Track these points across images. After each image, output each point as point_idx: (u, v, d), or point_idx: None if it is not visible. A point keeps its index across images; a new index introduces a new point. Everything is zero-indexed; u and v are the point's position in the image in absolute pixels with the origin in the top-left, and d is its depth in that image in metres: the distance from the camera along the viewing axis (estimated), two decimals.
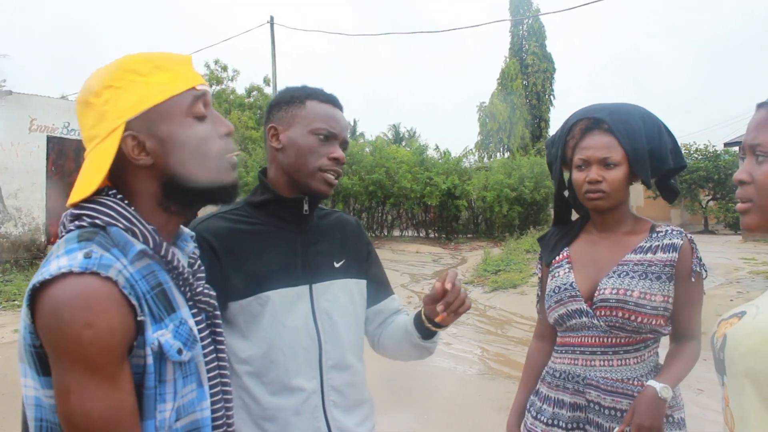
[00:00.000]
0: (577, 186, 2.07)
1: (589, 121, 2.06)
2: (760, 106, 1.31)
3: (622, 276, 1.98)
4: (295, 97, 1.80)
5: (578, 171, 2.06)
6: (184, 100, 1.26)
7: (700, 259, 2.02)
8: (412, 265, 16.89)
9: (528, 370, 2.29)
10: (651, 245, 2.02)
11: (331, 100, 1.83)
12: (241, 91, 33.78)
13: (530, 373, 2.27)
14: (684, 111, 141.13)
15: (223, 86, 33.26)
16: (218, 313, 1.37)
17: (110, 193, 1.24)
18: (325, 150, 1.76)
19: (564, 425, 2.03)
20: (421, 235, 24.86)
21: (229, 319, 1.70)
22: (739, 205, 1.32)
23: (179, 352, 1.18)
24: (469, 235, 23.87)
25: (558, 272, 2.13)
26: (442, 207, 23.29)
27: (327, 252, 1.85)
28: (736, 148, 23.54)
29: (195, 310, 1.30)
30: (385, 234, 24.78)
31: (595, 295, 1.99)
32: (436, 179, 22.37)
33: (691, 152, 31.62)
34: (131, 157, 1.22)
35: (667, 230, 2.04)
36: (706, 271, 2.04)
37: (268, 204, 1.81)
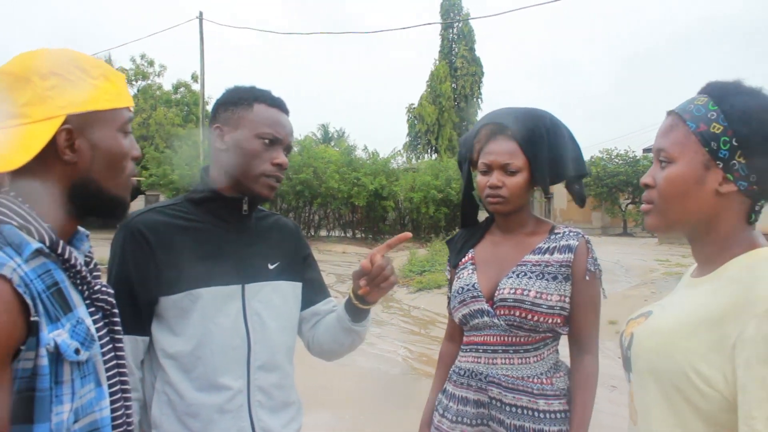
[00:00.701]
0: (480, 189, 2.12)
1: (494, 126, 2.09)
2: (668, 113, 1.36)
3: (520, 276, 2.01)
4: (243, 99, 1.78)
5: (482, 175, 2.10)
6: (122, 116, 1.29)
7: (595, 259, 2.06)
8: (338, 265, 16.89)
9: (439, 370, 2.32)
10: (549, 246, 2.06)
11: (278, 105, 1.81)
12: (167, 87, 33.20)
13: (441, 374, 2.30)
14: (606, 117, 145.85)
15: (149, 81, 32.59)
16: (116, 311, 1.33)
17: (2, 190, 1.20)
18: (269, 155, 1.75)
19: (468, 422, 2.06)
20: (347, 235, 24.93)
21: (160, 314, 1.68)
22: (643, 206, 1.39)
23: (77, 351, 1.14)
24: (395, 236, 23.99)
25: (462, 273, 2.17)
26: (369, 207, 23.42)
27: (262, 253, 1.84)
28: None
29: (92, 309, 1.27)
30: (312, 234, 24.75)
31: (495, 294, 2.02)
32: (363, 180, 22.46)
33: (612, 157, 32.75)
34: (60, 150, 1.19)
35: (564, 231, 2.09)
36: (600, 270, 2.07)
37: (207, 201, 1.79)
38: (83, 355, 1.16)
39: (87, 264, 1.33)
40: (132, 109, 1.33)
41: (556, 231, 2.10)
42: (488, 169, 2.07)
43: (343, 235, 25.04)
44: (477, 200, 2.26)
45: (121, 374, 1.31)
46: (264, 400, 1.76)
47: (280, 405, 1.81)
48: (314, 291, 2.00)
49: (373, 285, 1.72)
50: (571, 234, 2.07)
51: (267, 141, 1.74)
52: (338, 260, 17.69)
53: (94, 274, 1.33)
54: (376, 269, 1.69)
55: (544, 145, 2.02)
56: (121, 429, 1.29)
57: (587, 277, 2.02)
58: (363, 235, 24.73)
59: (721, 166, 1.24)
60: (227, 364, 1.70)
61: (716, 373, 1.14)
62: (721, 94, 1.28)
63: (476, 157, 2.13)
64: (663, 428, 1.26)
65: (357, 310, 1.82)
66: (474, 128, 2.17)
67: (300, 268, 1.96)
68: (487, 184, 2.05)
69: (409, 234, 1.82)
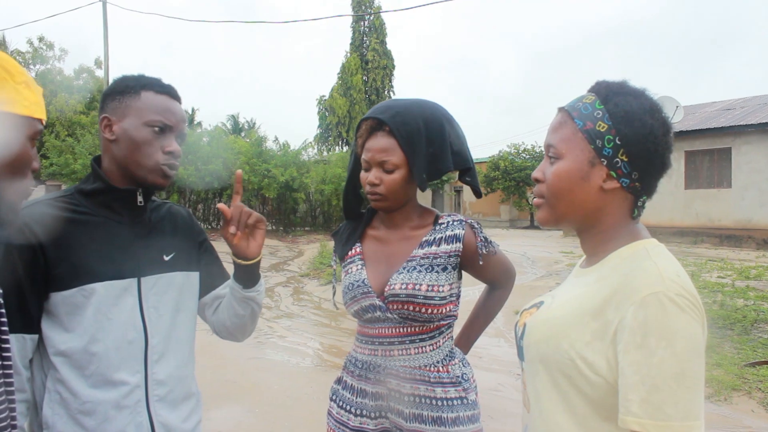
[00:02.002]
0: (363, 185, 2.13)
1: (373, 122, 2.10)
2: (559, 110, 1.41)
3: (410, 271, 2.04)
4: (130, 87, 1.73)
5: (364, 171, 2.12)
6: (34, 126, 1.27)
7: (486, 239, 2.12)
8: None
9: None
10: (434, 238, 2.09)
11: (168, 91, 1.77)
12: (69, 72, 31.82)
13: None
14: (514, 112, 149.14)
15: (49, 66, 31.20)
16: (2, 311, 1.28)
17: None
18: (160, 143, 1.71)
19: (369, 414, 2.10)
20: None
21: (50, 310, 1.62)
22: (534, 200, 1.44)
23: None
24: (306, 228, 23.95)
25: (351, 268, 2.18)
26: (280, 199, 23.21)
27: (157, 245, 1.81)
28: None
29: None
30: (222, 225, 24.33)
31: (386, 290, 2.05)
32: (274, 171, 22.24)
33: (520, 152, 33.56)
34: None
35: (448, 221, 2.13)
36: (492, 245, 2.14)
37: (99, 193, 1.74)
38: None
39: None
40: (44, 122, 1.31)
41: (440, 221, 2.13)
42: (368, 166, 2.09)
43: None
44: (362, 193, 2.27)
45: (5, 375, 1.26)
46: (162, 394, 1.74)
47: (179, 398, 1.79)
48: (213, 276, 1.99)
49: (243, 229, 1.73)
50: (455, 223, 2.11)
51: (157, 129, 1.70)
52: None
53: None
54: (235, 209, 1.71)
55: (421, 140, 2.03)
56: (6, 431, 1.25)
57: (481, 261, 2.09)
58: (274, 227, 24.48)
59: (605, 163, 1.30)
60: (123, 359, 1.67)
61: (600, 359, 1.20)
62: (607, 93, 1.33)
63: (360, 152, 2.14)
64: (553, 414, 1.31)
65: (243, 270, 1.81)
66: (359, 122, 2.16)
67: (196, 256, 1.94)
68: (366, 182, 2.08)
69: (240, 171, 1.84)
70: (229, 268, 1.94)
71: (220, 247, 2.12)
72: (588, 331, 1.24)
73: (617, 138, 1.29)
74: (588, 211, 1.35)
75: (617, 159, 1.29)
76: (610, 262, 1.32)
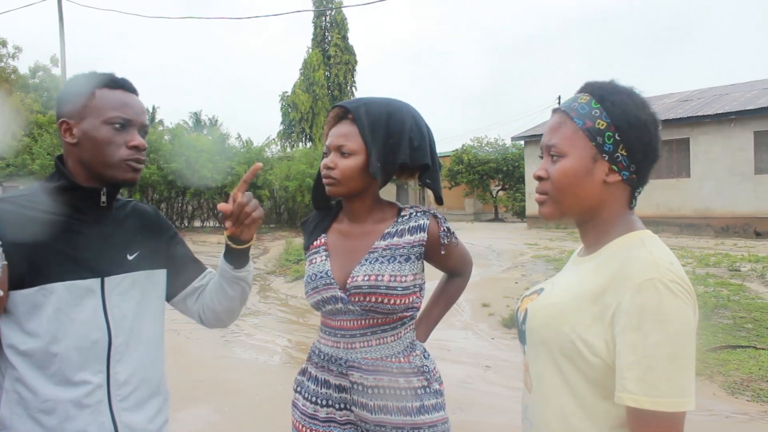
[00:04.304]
0: (321, 170, 2.15)
1: (339, 110, 2.15)
2: (554, 111, 1.50)
3: (372, 262, 2.06)
4: (83, 87, 1.70)
5: (325, 156, 2.14)
6: None
7: (448, 229, 2.15)
8: (214, 255, 16.43)
9: None
10: (397, 229, 2.11)
11: (122, 85, 1.74)
12: (24, 70, 31.18)
13: None
14: (477, 105, 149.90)
15: (3, 64, 30.53)
16: None
17: None
18: (123, 138, 1.69)
19: (334, 404, 2.11)
20: (222, 225, 24.42)
21: (8, 309, 1.59)
22: (537, 197, 1.51)
23: None
24: (271, 225, 23.80)
25: (315, 258, 2.19)
26: None
27: (121, 244, 1.78)
28: (522, 142, 25.58)
29: None
30: (186, 225, 24.11)
31: (348, 282, 2.06)
32: (237, 169, 22.09)
33: (483, 145, 33.75)
34: None
35: (411, 212, 2.15)
36: (454, 236, 2.17)
37: (62, 191, 1.71)
38: None
39: None
40: None
41: (402, 213, 2.15)
42: (328, 151, 2.12)
43: (218, 225, 24.51)
44: None
45: None
46: (125, 395, 1.72)
47: (144, 398, 1.77)
48: (187, 269, 1.99)
49: (239, 224, 1.74)
50: (418, 214, 2.13)
51: (117, 125, 1.68)
52: (214, 251, 17.29)
53: None
54: (236, 208, 1.72)
55: (381, 130, 2.05)
56: None
57: (443, 251, 2.12)
58: None
59: (606, 158, 1.39)
60: (85, 360, 1.64)
61: (599, 341, 1.30)
62: (602, 93, 1.42)
63: (325, 140, 2.17)
64: (554, 393, 1.41)
65: (234, 252, 1.83)
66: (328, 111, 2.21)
67: (164, 253, 1.93)
68: (322, 165, 2.10)
69: (260, 164, 1.84)
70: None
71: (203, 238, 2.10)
72: (588, 315, 1.33)
73: (616, 134, 1.38)
74: (591, 204, 1.43)
75: (618, 154, 1.39)
76: (608, 250, 1.41)
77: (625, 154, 1.38)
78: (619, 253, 1.37)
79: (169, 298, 1.97)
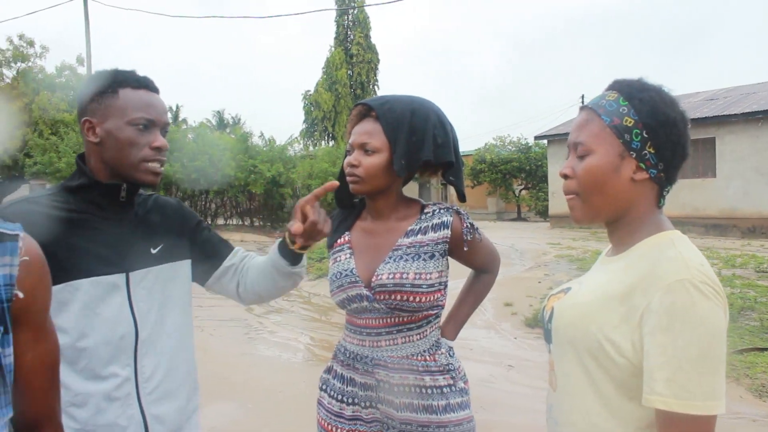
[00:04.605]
0: (345, 168, 2.15)
1: (362, 108, 2.16)
2: (581, 108, 1.49)
3: (396, 260, 2.06)
4: (107, 87, 1.71)
5: (348, 154, 2.15)
6: None
7: (471, 225, 2.15)
8: None
9: None
10: (420, 227, 2.11)
11: (145, 84, 1.75)
12: (51, 69, 31.48)
13: None
14: (500, 105, 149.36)
15: (30, 64, 30.87)
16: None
17: None
18: (146, 139, 1.70)
19: (360, 402, 2.11)
20: (245, 223, 24.57)
21: None
22: (567, 198, 1.50)
23: None
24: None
25: (339, 256, 2.19)
26: (266, 195, 23.16)
27: (144, 239, 1.81)
28: (545, 142, 25.40)
29: None
30: (209, 223, 24.24)
31: (373, 280, 2.06)
32: (260, 167, 22.18)
33: (505, 144, 33.56)
34: None
35: (434, 209, 2.14)
36: (478, 232, 2.17)
37: (84, 189, 1.73)
38: None
39: None
40: None
41: (426, 210, 2.15)
42: (351, 149, 2.12)
43: (240, 223, 24.67)
44: None
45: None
46: (153, 386, 1.74)
47: (172, 390, 1.80)
48: (217, 251, 2.03)
49: (310, 239, 1.79)
50: (442, 211, 2.12)
51: (141, 126, 1.70)
52: None
53: None
54: (309, 226, 1.74)
55: (405, 128, 2.04)
56: None
57: (466, 247, 2.11)
58: (261, 223, 24.45)
59: (634, 156, 1.38)
60: (113, 354, 1.67)
61: (626, 341, 1.29)
62: (630, 90, 1.41)
63: (348, 138, 2.17)
64: (580, 393, 1.40)
65: (294, 253, 1.87)
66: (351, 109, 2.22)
67: (188, 243, 1.95)
68: (346, 163, 2.11)
69: (336, 183, 1.86)
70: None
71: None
72: (615, 315, 1.32)
73: (644, 131, 1.37)
74: (620, 202, 1.42)
75: (645, 151, 1.38)
76: (637, 250, 1.40)
77: (653, 151, 1.37)
78: (649, 253, 1.36)
79: (203, 281, 2.02)
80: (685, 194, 18.43)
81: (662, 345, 1.20)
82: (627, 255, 1.42)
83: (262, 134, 40.99)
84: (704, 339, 1.19)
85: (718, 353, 1.20)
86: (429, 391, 2.03)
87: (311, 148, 35.75)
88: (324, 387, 2.24)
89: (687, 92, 24.46)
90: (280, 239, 1.89)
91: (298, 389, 5.79)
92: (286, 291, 2.02)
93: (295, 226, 1.74)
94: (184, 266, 1.92)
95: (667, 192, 1.44)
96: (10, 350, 1.09)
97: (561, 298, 1.54)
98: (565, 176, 1.47)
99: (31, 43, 30.63)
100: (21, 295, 1.12)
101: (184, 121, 39.14)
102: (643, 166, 1.38)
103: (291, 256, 1.87)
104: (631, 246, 1.42)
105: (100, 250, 1.69)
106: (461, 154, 2.24)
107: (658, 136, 1.37)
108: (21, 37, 30.28)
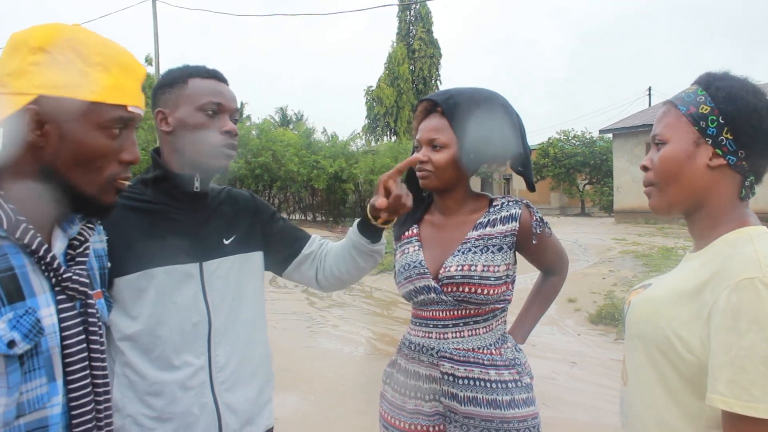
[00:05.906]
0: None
1: (428, 104, 2.16)
2: (663, 103, 1.49)
3: (465, 253, 2.05)
4: (177, 78, 1.78)
5: (416, 151, 2.14)
6: (106, 113, 1.21)
7: (541, 219, 2.13)
8: None
9: None
10: (489, 219, 2.10)
11: (214, 75, 1.81)
12: None
13: None
14: (563, 98, 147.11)
15: None
16: (92, 302, 1.29)
17: None
18: (216, 124, 1.75)
19: (423, 396, 2.10)
20: (308, 218, 24.83)
21: (115, 296, 1.67)
22: (645, 189, 1.49)
23: (10, 344, 1.09)
24: (356, 219, 23.98)
25: (408, 248, 2.20)
26: (329, 190, 23.35)
27: (217, 229, 1.85)
28: (610, 135, 24.86)
29: (63, 297, 1.22)
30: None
31: (441, 272, 2.06)
32: (323, 162, 22.37)
33: (569, 138, 33.03)
34: (27, 129, 1.15)
35: (503, 202, 2.13)
36: (548, 226, 2.15)
37: (158, 181, 1.79)
38: (19, 348, 1.11)
39: (74, 248, 1.29)
40: (131, 108, 1.26)
41: (494, 203, 2.14)
42: (419, 145, 2.12)
43: (303, 218, 24.94)
44: None
45: (94, 368, 1.27)
46: (226, 376, 1.78)
47: (245, 379, 1.83)
48: (293, 240, 2.05)
49: (394, 213, 1.81)
50: (510, 203, 2.11)
51: (210, 112, 1.74)
52: None
53: (78, 259, 1.29)
54: (393, 200, 1.76)
55: (472, 122, 2.04)
56: (88, 425, 1.24)
57: (534, 240, 2.09)
58: (323, 218, 24.69)
59: (710, 142, 1.35)
60: (187, 342, 1.72)
61: (694, 338, 1.25)
62: (708, 80, 1.40)
63: (415, 134, 2.18)
64: (648, 387, 1.38)
65: (374, 229, 1.89)
66: (415, 105, 2.22)
67: (260, 234, 1.98)
68: (414, 159, 2.10)
69: (419, 156, 1.89)
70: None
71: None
72: (685, 311, 1.29)
73: (720, 117, 1.34)
74: (696, 190, 1.39)
75: (722, 137, 1.34)
76: (715, 247, 1.36)
77: (730, 137, 1.34)
78: (725, 249, 1.31)
79: (281, 270, 2.05)
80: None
81: (726, 344, 1.16)
82: (705, 251, 1.38)
83: (324, 130, 41.24)
84: None
85: None
86: (494, 385, 2.02)
87: (373, 143, 35.85)
88: (387, 380, 2.24)
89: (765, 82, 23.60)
90: (360, 219, 1.92)
91: (359, 382, 5.82)
92: (366, 272, 2.02)
93: (380, 200, 1.75)
94: (256, 257, 1.95)
95: (751, 183, 1.39)
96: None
97: (640, 292, 1.52)
98: (645, 168, 1.48)
99: None
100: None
101: (249, 117, 39.71)
102: (720, 153, 1.35)
103: (371, 233, 1.89)
104: (711, 241, 1.38)
105: (174, 240, 1.74)
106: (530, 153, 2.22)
107: (735, 122, 1.33)
108: None
